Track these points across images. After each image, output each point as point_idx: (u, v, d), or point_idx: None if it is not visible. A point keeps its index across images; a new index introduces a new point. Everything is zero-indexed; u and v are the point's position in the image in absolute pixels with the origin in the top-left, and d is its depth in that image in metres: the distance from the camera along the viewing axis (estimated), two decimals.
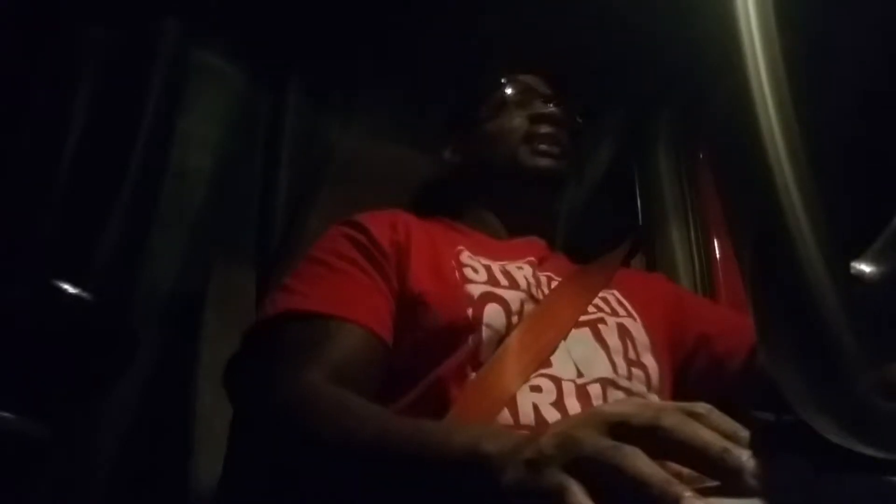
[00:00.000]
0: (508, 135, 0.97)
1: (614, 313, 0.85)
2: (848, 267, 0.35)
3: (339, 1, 1.29)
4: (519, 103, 1.00)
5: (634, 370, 0.78)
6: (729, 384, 0.85)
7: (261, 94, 1.29)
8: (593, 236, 1.40)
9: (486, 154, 0.99)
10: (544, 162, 0.95)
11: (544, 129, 0.96)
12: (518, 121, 0.97)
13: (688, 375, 0.88)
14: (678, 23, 1.00)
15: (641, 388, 0.78)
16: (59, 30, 0.95)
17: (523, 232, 0.96)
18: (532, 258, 0.88)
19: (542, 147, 0.95)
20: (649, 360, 0.82)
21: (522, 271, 0.84)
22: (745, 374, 0.83)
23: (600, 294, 0.87)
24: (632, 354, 0.80)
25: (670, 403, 0.45)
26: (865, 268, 0.36)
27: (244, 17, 1.29)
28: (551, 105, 0.98)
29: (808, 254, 0.31)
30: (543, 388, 0.71)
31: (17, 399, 0.81)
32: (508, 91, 1.00)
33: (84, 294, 0.86)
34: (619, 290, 0.90)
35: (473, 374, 0.72)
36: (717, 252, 1.27)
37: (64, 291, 0.85)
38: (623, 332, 0.82)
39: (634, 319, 0.86)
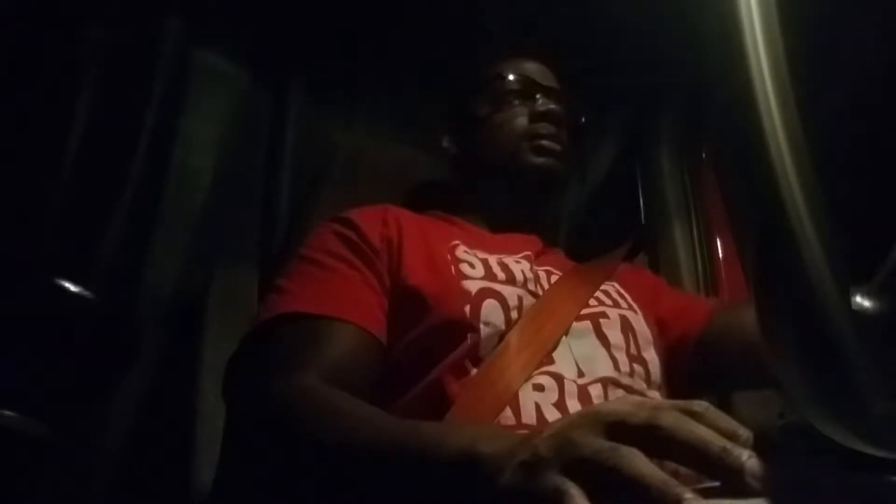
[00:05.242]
0: (509, 131, 0.96)
1: (616, 305, 0.85)
2: (850, 283, 0.35)
3: (342, 1, 1.29)
4: (520, 94, 0.98)
5: (636, 366, 0.78)
6: (682, 367, 0.85)
7: (263, 95, 1.29)
8: (596, 236, 1.40)
9: (486, 148, 0.98)
10: (544, 160, 0.94)
11: (545, 128, 0.95)
12: (520, 118, 0.96)
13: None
14: (680, 22, 1.00)
15: (642, 385, 0.78)
16: (60, 30, 0.95)
17: (518, 227, 0.96)
18: (528, 252, 0.88)
19: (543, 143, 0.94)
20: (650, 355, 0.82)
21: (520, 265, 0.83)
22: (698, 356, 0.85)
23: (601, 287, 0.87)
24: (633, 350, 0.80)
25: (667, 402, 0.44)
26: (866, 303, 0.36)
27: (246, 18, 1.29)
28: (552, 101, 0.98)
29: (812, 257, 0.31)
30: (546, 386, 0.71)
31: (18, 398, 0.81)
32: (510, 79, 0.99)
33: (86, 293, 0.86)
34: (618, 283, 0.90)
35: (474, 371, 0.72)
36: (719, 251, 1.27)
37: (66, 290, 0.85)
38: (626, 325, 0.82)
39: (636, 312, 0.86)
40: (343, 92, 1.36)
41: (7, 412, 0.80)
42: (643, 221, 1.35)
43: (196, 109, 1.21)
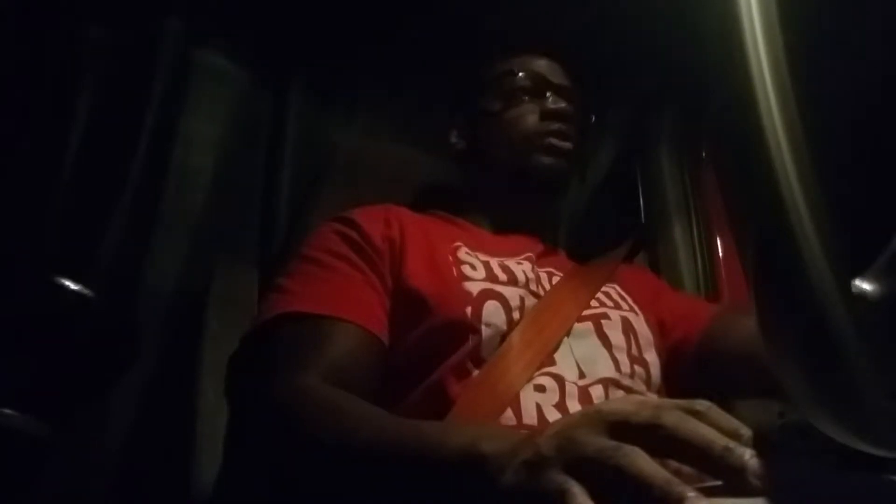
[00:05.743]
0: (519, 129, 0.95)
1: (617, 307, 0.85)
2: (850, 283, 0.35)
3: (342, 1, 1.29)
4: (530, 91, 0.97)
5: (637, 368, 0.78)
6: (682, 370, 0.85)
7: (263, 94, 1.29)
8: (596, 236, 1.40)
9: (494, 144, 0.97)
10: (552, 161, 0.93)
11: (555, 125, 0.95)
12: (530, 116, 0.95)
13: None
14: (681, 21, 1.00)
15: (642, 387, 0.78)
16: (60, 30, 0.95)
17: (520, 227, 0.95)
18: (530, 253, 0.88)
19: (552, 142, 0.93)
20: (651, 356, 0.82)
21: (522, 266, 0.83)
22: (698, 359, 0.83)
23: (602, 288, 0.86)
24: (634, 351, 0.80)
25: (669, 401, 0.44)
26: (867, 286, 0.36)
27: (246, 17, 1.29)
28: (563, 99, 0.97)
29: (812, 256, 0.31)
30: (547, 387, 0.71)
31: (18, 397, 0.81)
32: (520, 76, 0.98)
33: (86, 292, 0.86)
34: (619, 284, 0.90)
35: (476, 372, 0.72)
36: (719, 251, 1.27)
37: (66, 289, 0.85)
38: (627, 326, 0.82)
39: (637, 314, 0.86)
40: (343, 92, 1.36)
41: (7, 411, 0.80)
42: (643, 221, 1.35)
43: (196, 109, 1.21)
